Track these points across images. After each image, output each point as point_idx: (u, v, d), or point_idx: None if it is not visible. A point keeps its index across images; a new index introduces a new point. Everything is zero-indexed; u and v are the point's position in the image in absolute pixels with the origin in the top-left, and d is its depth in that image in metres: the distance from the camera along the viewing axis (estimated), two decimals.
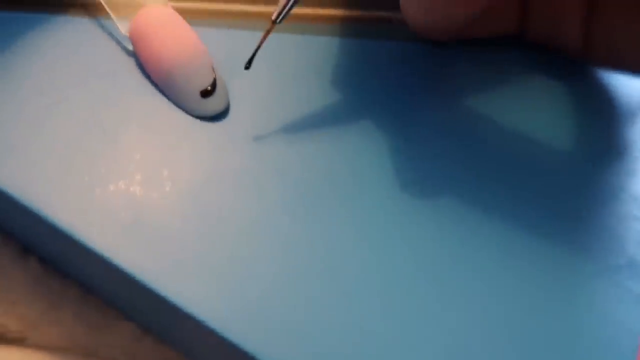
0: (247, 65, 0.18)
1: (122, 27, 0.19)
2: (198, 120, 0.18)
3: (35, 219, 0.17)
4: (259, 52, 0.18)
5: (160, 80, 0.18)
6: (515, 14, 0.19)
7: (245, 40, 0.20)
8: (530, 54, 0.20)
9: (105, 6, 0.20)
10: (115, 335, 0.21)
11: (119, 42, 0.20)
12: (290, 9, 0.17)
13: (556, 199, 0.17)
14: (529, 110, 0.19)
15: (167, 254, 0.16)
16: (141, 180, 0.17)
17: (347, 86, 0.19)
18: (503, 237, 0.17)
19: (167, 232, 0.16)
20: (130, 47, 0.19)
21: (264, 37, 0.18)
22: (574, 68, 0.20)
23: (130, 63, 0.19)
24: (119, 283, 0.17)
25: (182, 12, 0.20)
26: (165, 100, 0.19)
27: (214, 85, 0.18)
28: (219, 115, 0.18)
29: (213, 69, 0.18)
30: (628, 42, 0.18)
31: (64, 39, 0.20)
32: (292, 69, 0.20)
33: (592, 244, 0.17)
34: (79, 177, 0.17)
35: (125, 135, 0.18)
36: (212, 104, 0.18)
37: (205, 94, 0.18)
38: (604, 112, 0.19)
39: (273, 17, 0.17)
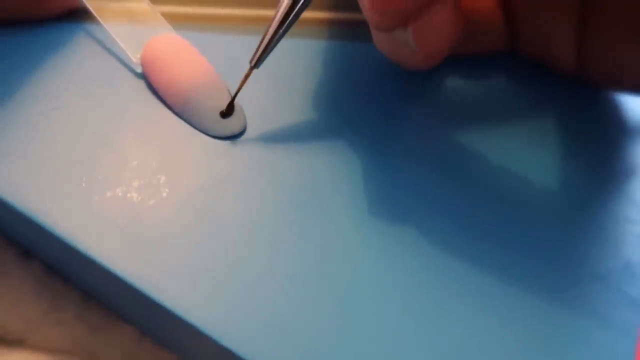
0: (226, 113, 0.18)
1: (132, 54, 0.19)
2: (193, 128, 0.18)
3: (33, 225, 0.17)
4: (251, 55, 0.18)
5: (177, 104, 0.18)
6: (503, 32, 0.19)
7: (236, 44, 0.20)
8: (523, 66, 0.20)
9: (113, 35, 0.20)
10: (116, 337, 0.21)
11: (122, 53, 0.20)
12: (268, 53, 0.17)
13: (552, 202, 0.17)
14: (521, 119, 0.19)
15: (163, 260, 0.16)
16: (138, 186, 0.17)
17: (343, 90, 0.19)
18: (498, 240, 0.17)
19: (164, 238, 0.16)
20: (139, 69, 0.19)
21: (243, 82, 0.18)
22: (567, 81, 0.20)
23: (129, 73, 0.19)
24: (117, 288, 0.17)
25: (170, 17, 0.20)
26: (162, 107, 0.19)
27: (231, 106, 0.18)
28: None
29: (229, 91, 0.19)
30: (622, 62, 0.17)
31: (65, 47, 0.20)
32: (287, 73, 0.20)
33: (588, 246, 0.17)
34: (77, 183, 0.17)
35: (122, 142, 0.18)
36: (232, 124, 0.18)
37: (224, 115, 0.18)
38: (600, 118, 0.19)
39: (252, 63, 0.18)
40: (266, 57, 0.18)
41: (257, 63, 0.18)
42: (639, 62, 0.17)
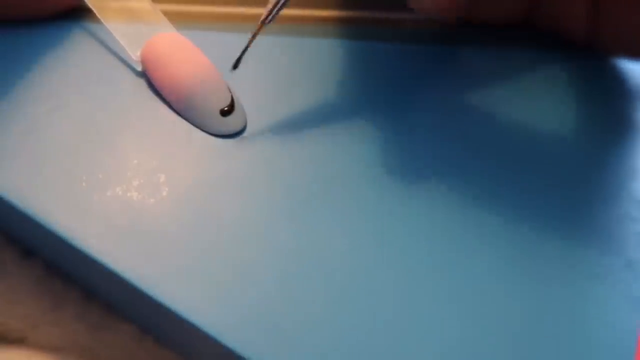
0: (235, 66, 0.18)
1: (132, 52, 0.19)
2: (194, 127, 0.18)
3: (34, 224, 0.17)
4: (253, 54, 0.18)
5: (178, 102, 0.18)
6: (518, 3, 0.19)
7: (237, 42, 0.20)
8: (532, 52, 0.20)
9: (114, 34, 0.20)
10: (116, 336, 0.21)
11: (122, 51, 0.20)
12: (279, 10, 0.17)
13: (555, 199, 0.17)
14: (530, 110, 0.19)
15: (164, 259, 0.16)
16: (138, 185, 0.17)
17: (343, 89, 0.19)
18: (500, 239, 0.17)
19: (164, 237, 0.16)
20: (139, 68, 0.19)
21: (253, 38, 0.18)
22: (578, 65, 0.20)
23: (129, 71, 0.19)
24: (118, 287, 0.17)
25: (171, 15, 0.20)
26: (162, 106, 0.19)
27: (232, 103, 0.18)
28: None
29: (229, 89, 0.19)
30: (632, 30, 0.17)
31: (66, 45, 0.20)
32: (287, 71, 0.20)
33: (589, 245, 0.17)
34: (77, 182, 0.17)
35: (122, 141, 0.18)
36: (233, 122, 0.18)
37: (225, 112, 0.18)
38: (606, 111, 0.19)
39: (262, 18, 0.17)
40: (278, 13, 0.17)
41: (267, 19, 0.17)
42: None
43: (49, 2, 0.20)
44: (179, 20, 0.21)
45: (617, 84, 0.20)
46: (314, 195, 0.17)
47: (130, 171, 0.17)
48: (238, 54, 0.18)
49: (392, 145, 0.18)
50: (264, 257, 0.16)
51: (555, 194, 0.17)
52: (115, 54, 0.20)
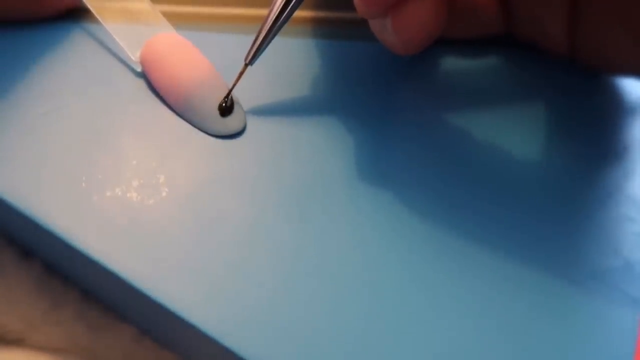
0: (224, 111, 0.18)
1: (132, 53, 0.19)
2: (193, 127, 0.18)
3: (33, 225, 0.17)
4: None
5: (177, 103, 0.18)
6: (497, 16, 0.19)
7: (236, 43, 0.20)
8: (520, 52, 0.20)
9: (113, 35, 0.20)
10: (115, 336, 0.21)
11: (122, 52, 0.20)
12: (262, 50, 0.18)
13: (550, 200, 0.17)
14: (520, 110, 0.19)
15: (163, 260, 0.16)
16: (138, 186, 0.17)
17: (342, 88, 0.19)
18: (496, 239, 0.17)
19: (163, 238, 0.16)
20: (138, 68, 0.19)
21: (238, 79, 0.18)
22: (567, 67, 0.20)
23: (129, 72, 0.19)
24: (117, 288, 0.17)
25: (171, 16, 0.20)
26: (161, 107, 0.19)
27: (231, 104, 0.18)
28: None
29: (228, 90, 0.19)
30: (612, 45, 0.17)
31: (65, 46, 0.20)
32: (287, 72, 0.20)
33: (587, 245, 0.17)
34: (76, 183, 0.17)
35: (122, 141, 0.18)
36: (232, 123, 0.18)
37: (224, 112, 0.18)
38: (599, 112, 0.19)
39: (246, 60, 0.18)
40: (260, 54, 0.18)
41: (251, 60, 0.18)
42: (626, 46, 0.17)
43: (48, 2, 0.20)
44: (178, 21, 0.21)
45: (606, 79, 0.20)
46: (314, 195, 0.17)
47: (129, 172, 0.17)
48: (238, 54, 0.18)
49: (392, 144, 0.18)
50: (263, 257, 0.16)
51: (551, 195, 0.17)
52: (114, 54, 0.20)
